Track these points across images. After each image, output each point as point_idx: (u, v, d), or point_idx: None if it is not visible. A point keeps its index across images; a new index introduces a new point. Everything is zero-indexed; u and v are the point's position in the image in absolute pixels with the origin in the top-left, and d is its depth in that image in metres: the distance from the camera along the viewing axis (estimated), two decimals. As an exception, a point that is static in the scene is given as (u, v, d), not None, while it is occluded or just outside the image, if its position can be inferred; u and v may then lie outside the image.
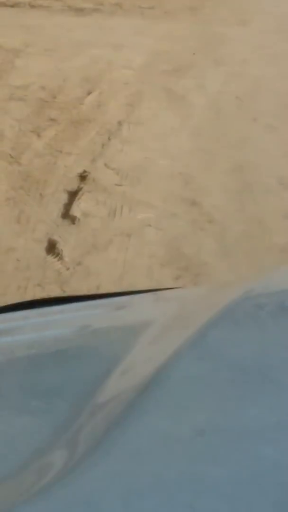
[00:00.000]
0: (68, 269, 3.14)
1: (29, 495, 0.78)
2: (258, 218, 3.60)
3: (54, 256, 3.22)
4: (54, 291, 2.98)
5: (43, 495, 0.78)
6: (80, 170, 3.98)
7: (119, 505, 0.75)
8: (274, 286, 1.31)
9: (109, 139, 4.40)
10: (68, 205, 3.62)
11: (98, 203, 3.65)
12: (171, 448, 0.83)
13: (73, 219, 3.49)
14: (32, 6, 7.79)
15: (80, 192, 3.74)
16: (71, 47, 6.25)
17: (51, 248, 3.28)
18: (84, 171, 3.96)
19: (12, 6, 7.76)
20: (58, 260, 3.19)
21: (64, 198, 3.70)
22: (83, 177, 3.90)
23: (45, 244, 3.31)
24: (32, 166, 4.02)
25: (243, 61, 6.15)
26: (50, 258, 3.20)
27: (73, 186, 3.82)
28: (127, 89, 5.28)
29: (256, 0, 8.69)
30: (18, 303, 1.50)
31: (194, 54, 6.27)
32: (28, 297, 2.90)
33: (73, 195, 3.72)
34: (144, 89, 5.29)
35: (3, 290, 3.00)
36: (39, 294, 2.95)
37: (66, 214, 3.54)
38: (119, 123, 4.63)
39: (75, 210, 3.57)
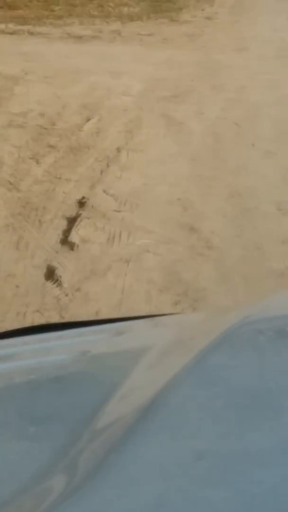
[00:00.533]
0: (67, 295, 3.15)
1: None
2: (257, 244, 3.62)
3: (53, 282, 3.23)
4: (53, 317, 2.99)
5: None
6: (79, 196, 4.01)
7: None
8: (272, 311, 1.32)
9: (108, 165, 4.43)
10: (67, 231, 3.65)
11: (97, 229, 3.67)
12: (170, 472, 0.84)
13: (72, 246, 3.51)
14: (31, 34, 7.89)
15: (79, 219, 3.76)
16: (70, 74, 6.32)
17: (50, 274, 3.29)
18: (83, 198, 3.99)
19: (11, 33, 7.86)
20: (57, 286, 3.20)
21: (63, 224, 3.72)
22: (82, 203, 3.93)
23: (44, 270, 3.33)
24: (31, 192, 4.05)
25: (242, 87, 6.21)
26: (49, 284, 3.22)
27: (72, 212, 3.84)
28: (126, 116, 5.33)
29: (255, 26, 8.81)
30: (17, 329, 1.51)
31: (192, 80, 6.33)
32: (27, 323, 2.91)
33: (72, 221, 3.74)
34: (142, 116, 5.34)
35: (2, 316, 3.01)
36: (38, 320, 2.96)
37: (65, 241, 3.56)
38: (118, 150, 4.67)
39: (74, 237, 3.59)
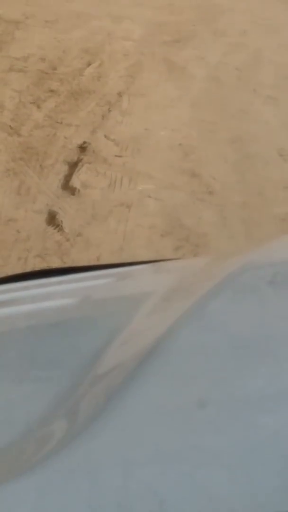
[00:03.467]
0: (68, 240, 3.12)
1: (29, 464, 0.78)
2: (258, 189, 3.57)
3: (54, 227, 3.20)
4: (54, 262, 2.97)
5: (43, 465, 0.77)
6: (80, 141, 3.94)
7: (119, 474, 0.75)
8: (274, 256, 1.29)
9: (109, 110, 4.35)
10: (68, 176, 3.59)
11: (98, 174, 3.62)
12: (171, 418, 0.82)
13: (73, 191, 3.46)
14: None
15: (80, 164, 3.70)
16: (71, 18, 6.17)
17: (51, 219, 3.25)
18: (84, 142, 3.92)
19: (11, -23, 7.65)
20: (58, 231, 3.16)
21: (64, 169, 3.67)
22: (83, 148, 3.87)
23: (45, 215, 3.29)
24: (32, 137, 3.98)
25: (243, 32, 6.07)
26: (50, 229, 3.18)
27: (73, 157, 3.78)
28: (127, 61, 5.22)
29: None
30: (18, 274, 1.49)
31: (194, 25, 6.19)
32: (29, 268, 2.88)
33: (73, 166, 3.69)
34: (144, 60, 5.23)
35: (4, 261, 2.98)
36: (39, 265, 2.94)
37: (66, 185, 3.51)
38: (119, 95, 4.58)
39: (75, 182, 3.54)
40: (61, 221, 3.22)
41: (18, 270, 2.77)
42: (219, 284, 1.11)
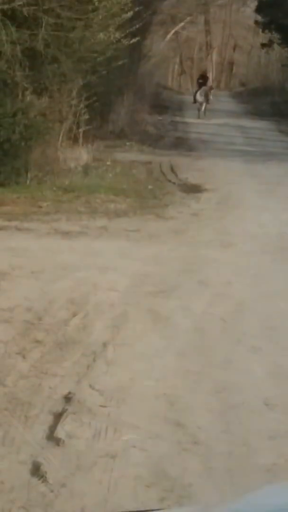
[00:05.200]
0: (52, 491, 3.34)
1: None
2: (244, 439, 3.86)
3: (38, 478, 3.42)
4: (38, 514, 3.16)
5: None
6: (65, 391, 4.28)
7: None
8: (259, 507, 1.47)
9: (94, 360, 4.74)
10: (53, 427, 3.88)
11: (83, 425, 3.91)
12: None
13: (57, 441, 3.74)
14: (18, 229, 8.47)
15: (65, 414, 4.01)
16: (57, 269, 6.78)
17: (36, 470, 3.49)
18: (69, 393, 4.25)
19: (-1, 229, 8.41)
20: (42, 482, 3.39)
21: (49, 419, 3.96)
22: (68, 398, 4.19)
23: (29, 466, 3.53)
24: (17, 388, 4.32)
25: (228, 283, 6.66)
26: (35, 480, 3.41)
27: (58, 407, 4.10)
28: (112, 311, 5.71)
29: (240, 222, 9.48)
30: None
31: (179, 276, 6.79)
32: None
33: (58, 416, 3.99)
34: (129, 311, 5.73)
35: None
36: (23, 517, 3.13)
37: (51, 436, 3.79)
38: (104, 345, 5.00)
39: (60, 432, 3.82)
40: (46, 471, 3.46)
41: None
42: None
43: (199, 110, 25.04)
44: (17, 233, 8.35)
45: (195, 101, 25.82)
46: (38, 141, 11.49)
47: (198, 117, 24.74)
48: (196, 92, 26.43)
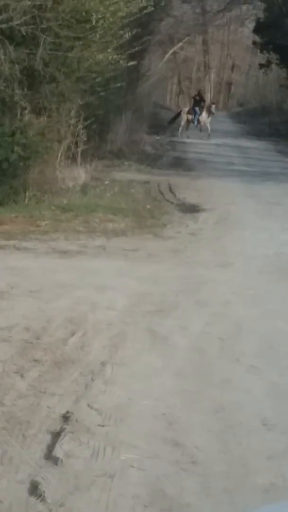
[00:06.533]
0: (50, 510, 3.35)
1: None
2: (242, 459, 3.87)
3: (36, 497, 3.44)
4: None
5: None
6: (63, 410, 4.30)
7: None
8: None
9: (92, 379, 4.76)
10: (51, 446, 3.90)
11: (81, 444, 3.92)
12: None
13: (56, 460, 3.75)
14: (17, 248, 8.52)
15: (63, 433, 4.02)
16: (55, 288, 6.81)
17: (34, 489, 3.50)
18: (67, 412, 4.27)
19: (-3, 248, 8.45)
20: (40, 502, 3.40)
21: (47, 439, 3.98)
22: (66, 417, 4.21)
23: (27, 485, 3.54)
24: (16, 407, 4.33)
25: (226, 302, 6.70)
26: (33, 499, 3.42)
27: (56, 426, 4.11)
28: (110, 330, 5.74)
29: (238, 242, 9.53)
30: None
31: (177, 295, 6.82)
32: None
33: (56, 435, 4.00)
34: (127, 330, 5.75)
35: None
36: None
37: (49, 455, 3.81)
38: (102, 364, 5.02)
39: (58, 451, 3.83)
40: (44, 491, 3.47)
41: None
42: None
43: (200, 130, 25.24)
44: (16, 252, 8.39)
45: (175, 118, 26.04)
46: (36, 161, 11.56)
47: (200, 131, 24.97)
48: (180, 111, 26.66)
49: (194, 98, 27.32)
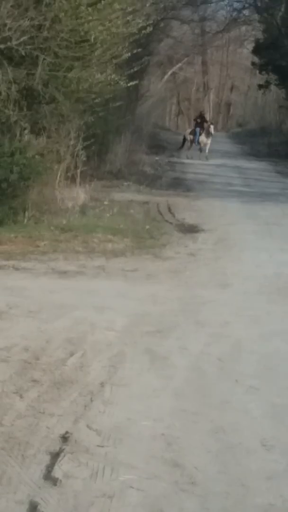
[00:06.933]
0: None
1: None
2: (241, 480, 3.88)
3: (35, 517, 3.45)
4: None
5: None
6: (62, 431, 4.31)
7: None
8: None
9: (91, 400, 4.77)
10: (50, 466, 3.91)
11: (80, 464, 3.94)
12: None
13: (55, 481, 3.76)
14: (16, 269, 8.55)
15: (62, 454, 4.03)
16: (54, 308, 6.83)
17: (33, 510, 3.51)
18: (66, 432, 4.28)
19: (-4, 269, 8.48)
20: (39, 521, 3.41)
21: (46, 459, 3.99)
22: (65, 438, 4.22)
23: (26, 506, 3.55)
24: (14, 427, 4.35)
25: (225, 323, 6.72)
26: (32, 520, 3.43)
27: (55, 447, 4.12)
28: (109, 351, 5.75)
29: (237, 262, 9.56)
30: None
31: (176, 316, 6.84)
32: None
33: (55, 456, 4.02)
34: (126, 351, 5.77)
35: None
36: None
37: (48, 476, 3.82)
38: (102, 384, 5.04)
39: (57, 472, 3.84)
40: (43, 511, 3.47)
41: None
42: None
43: (200, 150, 25.32)
44: (15, 273, 8.42)
45: (183, 142, 26.21)
46: (36, 181, 11.62)
47: (200, 151, 25.05)
48: (186, 132, 26.86)
49: (195, 120, 27.41)
